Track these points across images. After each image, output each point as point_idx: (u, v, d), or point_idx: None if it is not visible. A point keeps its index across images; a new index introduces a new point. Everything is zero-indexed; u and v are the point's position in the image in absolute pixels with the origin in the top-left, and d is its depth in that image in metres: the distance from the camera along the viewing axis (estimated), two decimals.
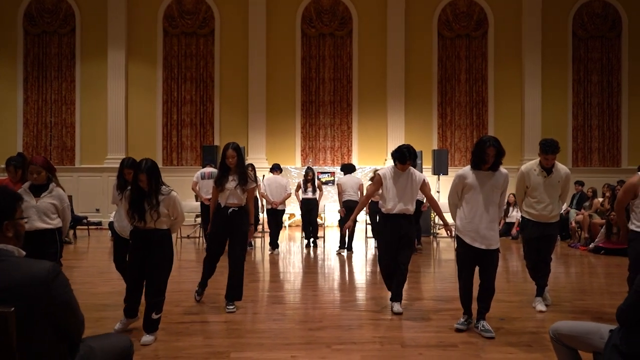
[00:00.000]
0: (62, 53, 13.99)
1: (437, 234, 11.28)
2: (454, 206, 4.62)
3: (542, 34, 14.21)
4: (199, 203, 9.65)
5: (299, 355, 3.89)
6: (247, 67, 14.03)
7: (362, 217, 10.78)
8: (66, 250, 9.28)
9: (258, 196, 9.39)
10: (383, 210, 5.13)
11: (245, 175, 5.14)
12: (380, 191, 5.20)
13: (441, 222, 5.21)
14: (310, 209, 9.61)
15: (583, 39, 14.48)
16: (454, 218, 4.63)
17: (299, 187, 9.80)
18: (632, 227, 4.35)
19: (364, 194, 8.48)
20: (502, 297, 5.51)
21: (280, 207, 9.39)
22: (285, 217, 11.23)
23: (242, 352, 3.96)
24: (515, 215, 11.42)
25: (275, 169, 9.62)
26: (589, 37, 14.47)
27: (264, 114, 14.07)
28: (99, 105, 13.86)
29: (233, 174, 5.12)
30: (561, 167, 5.19)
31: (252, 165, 8.81)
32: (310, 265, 8.11)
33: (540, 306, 5.20)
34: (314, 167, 10.61)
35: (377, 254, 5.38)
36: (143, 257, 4.20)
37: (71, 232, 10.92)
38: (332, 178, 13.07)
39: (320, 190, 9.86)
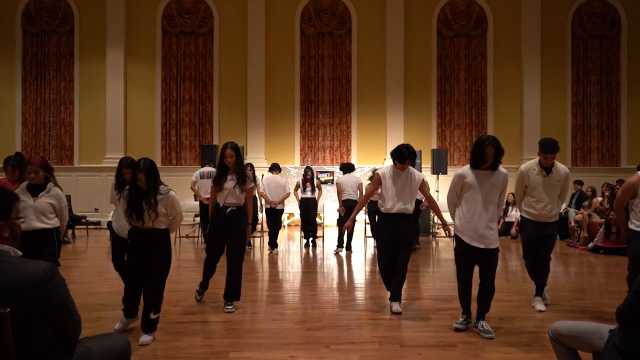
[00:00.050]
0: (60, 52, 13.96)
1: (436, 233, 11.27)
2: (452, 205, 4.62)
3: (541, 33, 14.20)
4: (198, 202, 9.63)
5: (297, 355, 3.88)
6: (246, 67, 14.02)
7: (361, 217, 10.77)
8: (65, 249, 9.27)
9: (257, 196, 9.38)
10: (382, 209, 5.12)
11: (244, 174, 5.13)
12: (379, 190, 5.20)
13: (440, 222, 5.21)
14: (309, 208, 9.60)
15: (582, 38, 14.48)
16: (452, 217, 4.62)
17: (297, 186, 9.79)
18: (631, 226, 4.35)
19: (363, 193, 8.47)
20: (501, 296, 5.50)
21: (279, 207, 9.39)
22: (284, 216, 11.22)
23: (241, 352, 3.95)
24: (514, 214, 11.43)
25: (274, 168, 9.61)
26: (588, 36, 14.47)
27: (263, 113, 14.05)
28: (98, 104, 13.84)
29: (231, 174, 5.11)
30: (560, 167, 5.19)
31: (251, 165, 8.80)
32: (310, 265, 8.10)
33: (540, 306, 5.19)
34: (313, 167, 10.61)
35: (376, 253, 5.37)
36: (141, 256, 4.19)
37: (70, 231, 10.90)
38: (331, 177, 13.06)
39: (320, 189, 9.85)
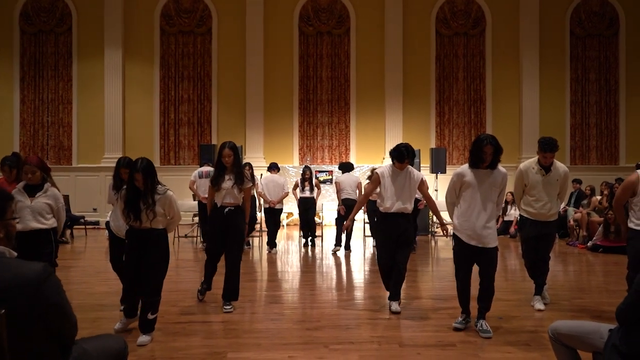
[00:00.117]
0: (58, 52, 13.93)
1: (435, 232, 11.26)
2: (451, 204, 4.61)
3: (539, 32, 14.19)
4: (196, 202, 9.62)
5: (296, 356, 3.86)
6: (244, 66, 13.99)
7: (360, 216, 10.75)
8: (63, 250, 9.25)
9: (256, 195, 9.36)
10: (381, 209, 5.10)
11: (242, 174, 5.12)
12: (378, 190, 5.18)
13: (438, 222, 5.19)
14: (308, 207, 9.59)
15: (580, 37, 14.47)
16: (451, 216, 4.61)
17: (296, 185, 9.78)
18: (631, 225, 4.34)
19: (362, 192, 8.46)
20: (500, 295, 5.48)
21: (277, 206, 9.37)
22: (283, 216, 11.21)
23: (240, 353, 3.93)
24: (513, 213, 11.42)
25: (273, 168, 9.59)
26: (587, 35, 14.46)
27: (262, 112, 14.03)
28: (96, 104, 13.81)
29: (229, 173, 5.09)
30: (560, 166, 5.17)
31: (249, 165, 8.80)
32: (308, 265, 8.09)
33: (539, 305, 5.18)
34: (311, 166, 10.59)
35: (376, 252, 5.36)
36: (139, 256, 4.17)
37: (68, 231, 10.88)
38: (330, 177, 13.05)
39: (318, 188, 9.84)
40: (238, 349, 4.00)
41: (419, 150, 11.70)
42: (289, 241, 10.87)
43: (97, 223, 13.00)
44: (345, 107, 14.25)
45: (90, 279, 6.78)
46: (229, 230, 5.08)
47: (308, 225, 9.75)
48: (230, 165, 5.08)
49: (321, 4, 14.17)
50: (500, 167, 4.45)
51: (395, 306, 5.02)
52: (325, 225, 12.26)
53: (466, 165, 4.48)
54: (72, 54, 13.89)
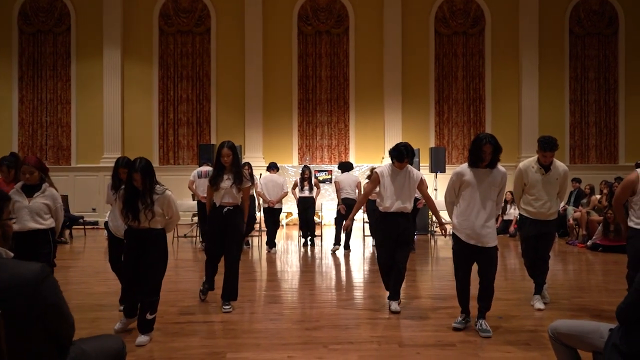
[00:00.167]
0: (57, 52, 13.92)
1: (435, 232, 11.25)
2: (450, 204, 4.59)
3: (538, 31, 14.19)
4: (196, 202, 9.61)
5: (295, 356, 3.85)
6: (243, 66, 13.98)
7: (360, 216, 10.74)
8: (62, 250, 9.25)
9: (255, 195, 9.35)
10: (380, 208, 5.09)
11: (241, 174, 5.11)
12: (377, 189, 5.17)
13: (437, 221, 5.18)
14: (307, 207, 9.58)
15: (580, 36, 14.47)
16: (450, 215, 4.60)
17: (295, 185, 9.77)
18: (630, 224, 4.33)
19: (362, 192, 8.45)
20: (500, 295, 5.47)
21: (277, 206, 9.36)
22: (282, 215, 11.20)
23: (239, 353, 3.92)
24: (512, 212, 11.41)
25: (272, 167, 9.58)
26: (586, 34, 14.46)
27: (261, 112, 14.02)
28: (95, 104, 13.80)
29: (228, 173, 5.08)
30: (559, 165, 5.16)
31: (248, 164, 8.78)
32: (308, 264, 8.08)
33: (539, 304, 5.17)
34: (311, 166, 10.58)
35: (375, 252, 5.35)
36: (137, 256, 4.16)
37: (67, 231, 10.87)
38: (330, 176, 13.04)
39: (318, 188, 9.83)
40: (237, 349, 3.99)
41: (419, 149, 11.70)
42: (289, 241, 10.86)
43: (96, 223, 12.98)
44: (345, 106, 14.24)
45: (89, 279, 6.77)
46: (227, 230, 5.07)
47: (307, 225, 9.74)
48: (229, 165, 5.07)
49: (320, 4, 14.15)
50: (500, 166, 4.44)
51: (394, 306, 5.01)
52: (324, 224, 12.25)
53: (465, 165, 4.46)
54: (70, 53, 13.88)
